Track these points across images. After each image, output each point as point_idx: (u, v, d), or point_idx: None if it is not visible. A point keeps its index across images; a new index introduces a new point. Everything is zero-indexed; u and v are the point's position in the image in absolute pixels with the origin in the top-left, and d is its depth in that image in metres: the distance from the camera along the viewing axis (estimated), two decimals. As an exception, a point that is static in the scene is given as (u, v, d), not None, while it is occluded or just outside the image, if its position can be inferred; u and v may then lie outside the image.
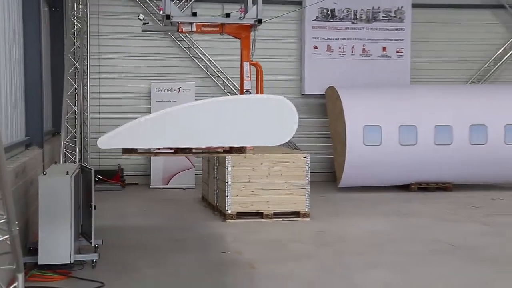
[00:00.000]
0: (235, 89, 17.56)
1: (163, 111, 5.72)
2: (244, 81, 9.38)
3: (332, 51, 18.39)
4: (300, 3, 18.33)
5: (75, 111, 16.69)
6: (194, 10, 10.80)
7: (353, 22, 18.46)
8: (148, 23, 10.39)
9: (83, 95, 17.33)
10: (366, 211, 13.63)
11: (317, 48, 18.29)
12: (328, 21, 18.34)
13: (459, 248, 9.93)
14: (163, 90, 16.98)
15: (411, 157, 16.02)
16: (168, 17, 9.08)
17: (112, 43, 17.61)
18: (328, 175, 18.13)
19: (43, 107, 11.23)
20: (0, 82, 8.65)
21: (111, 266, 8.38)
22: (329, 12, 18.33)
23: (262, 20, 9.45)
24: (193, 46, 17.85)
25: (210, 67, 17.94)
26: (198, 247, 9.87)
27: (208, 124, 5.64)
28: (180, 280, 7.90)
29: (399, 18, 18.60)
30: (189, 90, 17.03)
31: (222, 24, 10.55)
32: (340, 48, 18.40)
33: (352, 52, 18.47)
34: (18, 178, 8.14)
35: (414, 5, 18.61)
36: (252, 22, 9.33)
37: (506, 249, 9.91)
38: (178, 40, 17.66)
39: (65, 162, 14.13)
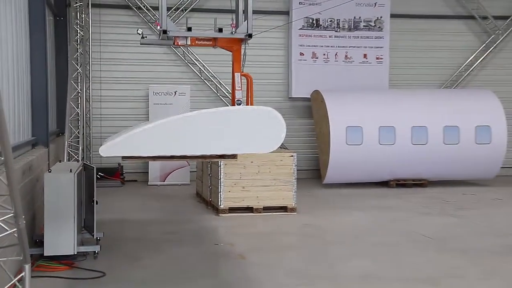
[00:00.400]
0: (227, 92, 17.58)
1: (160, 121, 5.73)
2: (236, 91, 9.38)
3: (317, 58, 18.44)
4: (287, 13, 18.40)
5: (78, 113, 16.64)
6: (189, 25, 10.80)
7: (336, 31, 18.52)
8: (146, 37, 10.39)
9: (85, 98, 17.29)
10: (348, 205, 13.67)
11: (303, 54, 18.34)
12: (313, 29, 18.39)
13: (433, 239, 9.99)
14: (160, 94, 16.96)
15: (390, 156, 16.10)
16: (164, 32, 9.10)
17: (112, 49, 17.59)
18: (313, 173, 18.19)
19: (48, 109, 11.20)
20: (8, 86, 8.63)
21: (112, 257, 8.39)
22: (314, 22, 18.38)
23: (252, 34, 9.44)
24: (188, 53, 17.85)
25: (204, 72, 17.95)
26: (193, 239, 9.88)
27: (202, 133, 5.67)
28: (176, 270, 7.92)
29: (379, 27, 18.68)
30: (185, 93, 17.03)
31: (215, 38, 10.53)
32: (324, 54, 18.46)
33: (336, 59, 18.53)
34: (25, 175, 8.13)
35: (393, 15, 18.70)
36: (243, 36, 9.33)
37: (474, 239, 9.98)
38: (174, 47, 17.65)
39: (68, 161, 14.10)
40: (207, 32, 11.24)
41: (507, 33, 19.72)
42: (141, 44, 11.88)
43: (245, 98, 12.32)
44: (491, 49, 19.72)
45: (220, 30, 9.83)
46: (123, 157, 6.48)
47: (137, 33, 10.37)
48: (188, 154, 6.21)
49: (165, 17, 9.13)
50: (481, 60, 19.73)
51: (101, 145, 5.84)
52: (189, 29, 9.68)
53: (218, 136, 5.74)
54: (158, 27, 9.28)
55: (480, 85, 19.43)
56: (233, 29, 9.47)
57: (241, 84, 9.36)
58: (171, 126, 5.64)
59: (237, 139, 5.79)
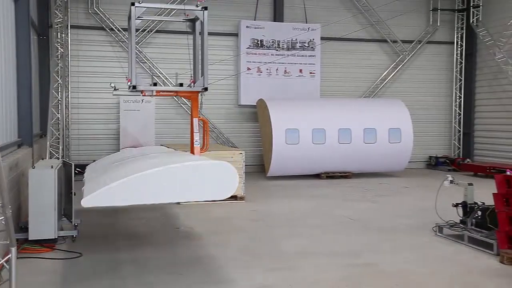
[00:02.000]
0: (186, 100, 17.41)
1: (133, 175, 5.63)
2: (194, 133, 9.27)
3: (261, 72, 18.49)
4: (236, 35, 18.39)
5: (59, 117, 16.17)
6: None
7: (277, 50, 18.62)
8: (118, 89, 10.16)
9: (65, 105, 16.83)
10: (287, 194, 13.77)
11: (250, 69, 18.35)
12: (258, 49, 18.43)
13: (355, 220, 10.18)
14: (129, 102, 16.64)
15: (321, 153, 16.30)
16: (134, 87, 8.99)
17: (88, 64, 17.21)
18: (258, 167, 18.24)
19: (32, 115, 10.84)
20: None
21: (87, 240, 8.19)
22: (259, 42, 18.44)
23: (208, 88, 9.42)
24: (153, 67, 17.62)
25: (167, 83, 17.73)
26: (158, 224, 9.75)
27: (170, 185, 5.63)
28: (144, 250, 7.79)
29: (311, 47, 18.89)
30: (150, 101, 16.77)
31: (176, 91, 10.48)
32: (267, 69, 18.53)
33: (277, 73, 18.63)
34: (12, 171, 7.86)
35: (323, 38, 18.92)
36: (200, 89, 9.29)
37: (387, 220, 10.21)
38: (141, 62, 17.37)
39: (50, 158, 13.69)
40: (170, 88, 11.23)
41: (412, 53, 20.29)
42: (113, 95, 11.74)
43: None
44: (400, 66, 20.22)
45: (181, 84, 9.84)
46: None
47: (110, 85, 10.16)
48: (158, 202, 6.11)
49: (135, 75, 9.03)
50: (392, 75, 20.19)
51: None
52: (155, 84, 9.65)
53: (184, 186, 5.73)
54: (129, 82, 9.15)
55: (392, 95, 19.89)
56: (192, 84, 9.43)
57: (198, 128, 9.31)
58: (143, 179, 5.58)
59: (199, 188, 5.79)
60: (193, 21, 9.39)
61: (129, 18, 8.93)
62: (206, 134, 9.70)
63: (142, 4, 8.73)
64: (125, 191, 5.50)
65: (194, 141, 9.18)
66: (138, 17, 8.87)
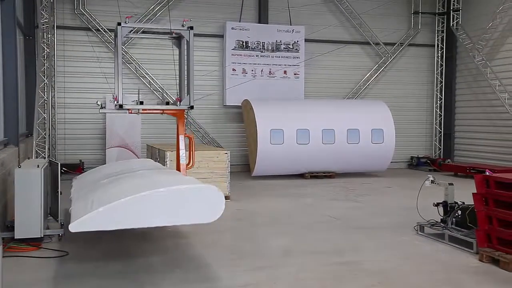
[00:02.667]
0: (171, 100, 17.30)
1: (120, 200, 5.55)
2: (180, 150, 9.25)
3: (246, 73, 18.49)
4: (222, 36, 18.37)
5: (45, 117, 15.98)
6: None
7: (262, 51, 18.63)
8: (104, 107, 10.03)
9: (51, 105, 16.66)
10: (272, 193, 13.77)
11: (235, 70, 18.35)
12: (243, 50, 18.43)
13: (339, 219, 10.23)
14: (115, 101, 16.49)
15: (305, 153, 16.34)
16: (121, 106, 8.94)
17: (74, 64, 17.05)
18: (244, 167, 18.24)
19: (19, 114, 10.71)
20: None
21: (74, 239, 8.07)
22: (244, 44, 18.44)
23: (194, 106, 9.40)
24: (139, 68, 17.52)
25: (152, 83, 17.65)
26: (144, 223, 9.67)
27: (157, 209, 5.57)
28: (130, 249, 7.75)
29: (296, 49, 18.94)
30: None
31: (163, 109, 10.46)
32: (252, 70, 18.54)
33: (261, 74, 18.64)
34: (-3, 170, 7.75)
35: (306, 40, 18.98)
36: (185, 108, 9.25)
37: (370, 219, 10.27)
38: (127, 63, 17.25)
39: (36, 158, 13.53)
40: (156, 106, 11.21)
41: (394, 56, 20.44)
42: (100, 112, 11.73)
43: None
44: (382, 68, 20.35)
45: (168, 103, 9.83)
46: None
47: (96, 104, 10.10)
48: (146, 226, 6.01)
49: (122, 95, 8.99)
50: (374, 77, 20.33)
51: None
52: (141, 102, 9.60)
53: (171, 211, 5.65)
54: (115, 101, 9.09)
55: (374, 96, 20.01)
56: (178, 102, 9.39)
57: (184, 144, 9.27)
58: (130, 204, 5.49)
59: (186, 212, 5.73)
60: (179, 38, 9.35)
61: (115, 36, 8.85)
62: (192, 150, 9.62)
63: (129, 25, 8.70)
64: (113, 216, 5.44)
65: (180, 158, 9.17)
66: (125, 35, 8.84)
